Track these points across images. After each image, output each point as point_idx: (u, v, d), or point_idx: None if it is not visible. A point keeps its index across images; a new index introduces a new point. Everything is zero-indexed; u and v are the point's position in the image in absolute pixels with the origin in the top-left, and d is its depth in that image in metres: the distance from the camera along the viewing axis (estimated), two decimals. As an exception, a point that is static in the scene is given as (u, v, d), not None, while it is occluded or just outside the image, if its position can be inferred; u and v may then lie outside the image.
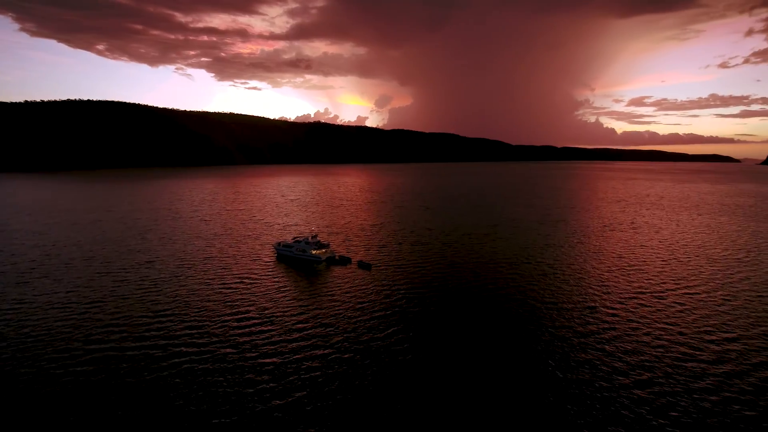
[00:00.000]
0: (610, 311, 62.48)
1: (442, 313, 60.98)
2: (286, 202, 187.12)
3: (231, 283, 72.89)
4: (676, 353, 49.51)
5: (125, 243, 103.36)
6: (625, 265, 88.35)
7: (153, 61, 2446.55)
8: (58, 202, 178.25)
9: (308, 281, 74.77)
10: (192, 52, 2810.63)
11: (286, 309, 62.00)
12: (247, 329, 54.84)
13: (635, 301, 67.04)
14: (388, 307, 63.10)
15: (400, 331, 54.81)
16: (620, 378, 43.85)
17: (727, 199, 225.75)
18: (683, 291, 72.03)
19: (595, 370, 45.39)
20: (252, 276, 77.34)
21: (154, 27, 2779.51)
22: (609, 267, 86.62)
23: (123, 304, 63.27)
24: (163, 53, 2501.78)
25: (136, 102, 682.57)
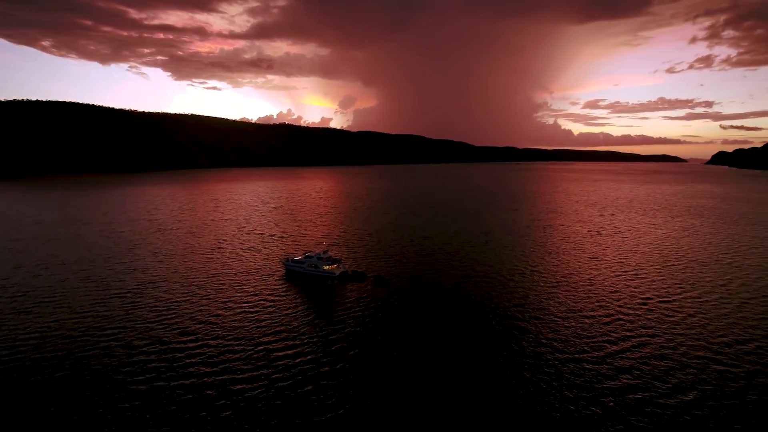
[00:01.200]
0: (630, 320, 64.51)
1: (470, 332, 61.06)
2: (270, 211, 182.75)
3: (246, 304, 70.25)
4: (701, 364, 51.69)
5: (118, 260, 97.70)
6: (627, 271, 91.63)
7: (104, 59, 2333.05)
8: (20, 214, 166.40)
9: (325, 299, 73.12)
10: (147, 50, 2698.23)
11: (306, 330, 60.29)
12: (267, 351, 52.90)
13: (647, 307, 69.57)
14: (417, 326, 62.57)
15: (435, 353, 54.43)
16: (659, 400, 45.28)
17: (690, 200, 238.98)
18: (688, 296, 75.39)
19: (631, 392, 46.69)
20: (265, 294, 74.84)
21: (106, 23, 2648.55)
22: (614, 273, 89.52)
23: (144, 331, 59.63)
24: (115, 51, 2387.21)
25: (88, 102, 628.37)
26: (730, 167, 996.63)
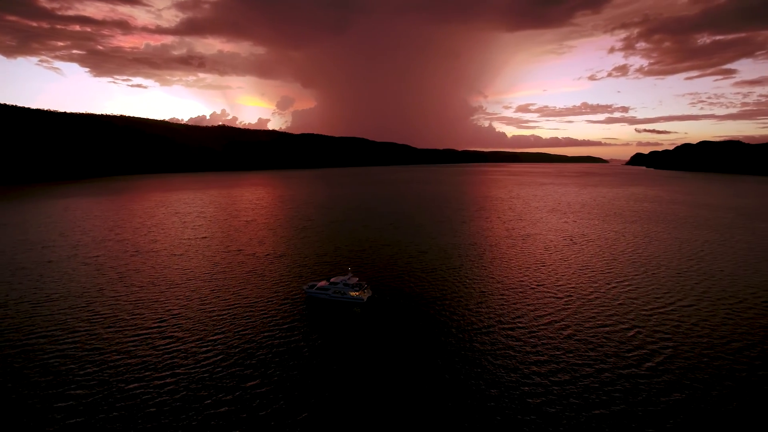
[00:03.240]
0: (650, 332, 70.28)
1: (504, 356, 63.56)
2: (243, 225, 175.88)
3: (270, 334, 67.80)
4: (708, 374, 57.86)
5: (116, 288, 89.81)
6: (619, 281, 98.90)
7: (9, 52, 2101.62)
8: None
9: (355, 328, 72.44)
10: (60, 43, 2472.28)
11: (342, 360, 59.70)
12: (301, 389, 52.06)
13: (674, 322, 76.08)
14: (455, 353, 64.01)
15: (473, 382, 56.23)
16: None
17: (636, 204, 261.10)
18: (681, 304, 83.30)
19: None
20: (290, 322, 72.63)
21: (10, 11, 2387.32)
22: (608, 284, 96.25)
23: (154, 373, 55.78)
24: (22, 42, 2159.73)
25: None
26: (647, 168, 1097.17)
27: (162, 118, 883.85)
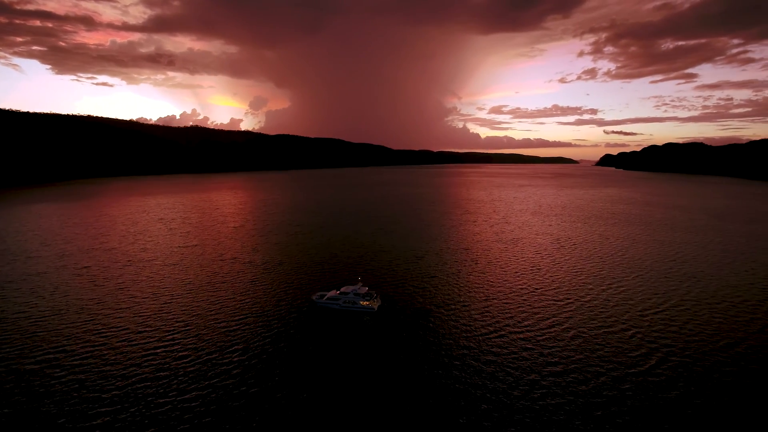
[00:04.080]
0: (675, 347, 74.41)
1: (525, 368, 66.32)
2: (232, 231, 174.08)
3: (275, 343, 68.52)
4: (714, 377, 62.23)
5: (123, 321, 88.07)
6: (617, 283, 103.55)
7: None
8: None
9: (368, 337, 73.85)
10: (20, 39, 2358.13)
11: (360, 372, 61.21)
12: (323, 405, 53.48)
13: (693, 329, 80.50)
14: (469, 360, 66.28)
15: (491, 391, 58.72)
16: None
17: (612, 206, 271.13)
18: (684, 307, 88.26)
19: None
20: (304, 334, 73.37)
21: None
22: (609, 287, 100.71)
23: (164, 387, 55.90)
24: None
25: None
26: (616, 168, 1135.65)
27: (130, 118, 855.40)
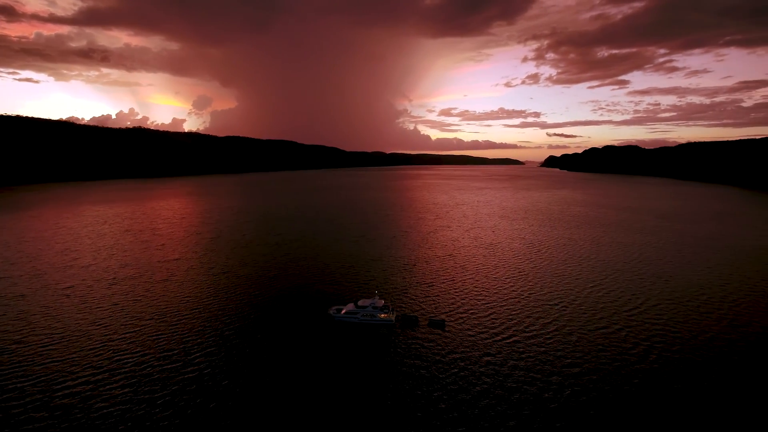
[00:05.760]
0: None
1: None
2: (210, 242, 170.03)
3: (294, 359, 70.44)
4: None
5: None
6: (597, 286, 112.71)
7: None
8: None
9: (388, 349, 77.14)
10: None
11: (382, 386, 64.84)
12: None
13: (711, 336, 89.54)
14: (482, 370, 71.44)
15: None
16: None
17: (568, 208, 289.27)
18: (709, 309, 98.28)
19: (709, 393, 63.28)
20: (331, 349, 75.43)
21: None
22: (591, 289, 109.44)
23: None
24: None
25: None
26: (560, 169, 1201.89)
27: (59, 118, 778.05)
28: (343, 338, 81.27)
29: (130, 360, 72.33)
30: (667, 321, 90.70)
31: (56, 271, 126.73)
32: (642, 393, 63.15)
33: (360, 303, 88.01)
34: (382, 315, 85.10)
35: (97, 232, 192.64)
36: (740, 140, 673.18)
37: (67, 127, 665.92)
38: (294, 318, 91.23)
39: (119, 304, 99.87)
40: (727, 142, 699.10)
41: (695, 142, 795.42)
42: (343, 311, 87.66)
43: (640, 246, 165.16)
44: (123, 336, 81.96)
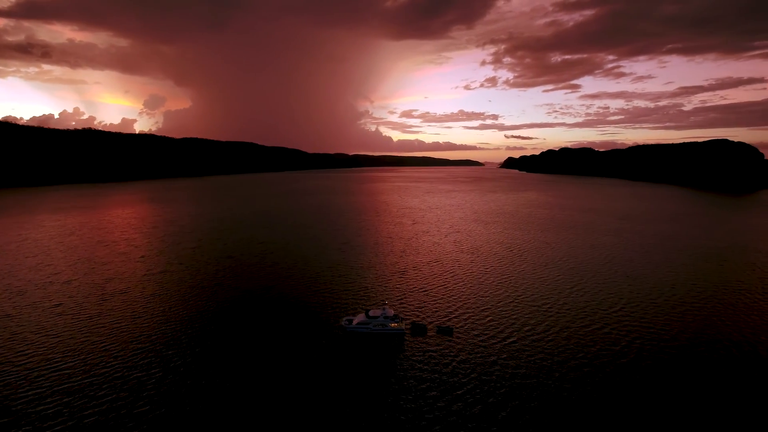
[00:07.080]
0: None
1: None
2: (192, 253, 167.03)
3: (310, 373, 73.22)
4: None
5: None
6: (578, 288, 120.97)
7: None
8: None
9: (407, 359, 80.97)
10: None
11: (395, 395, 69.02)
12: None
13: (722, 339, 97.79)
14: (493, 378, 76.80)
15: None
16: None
17: (535, 210, 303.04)
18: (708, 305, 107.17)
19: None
20: (348, 361, 78.23)
21: None
22: (574, 291, 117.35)
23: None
24: None
25: None
26: (519, 171, 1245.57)
27: None
28: (356, 348, 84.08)
29: (150, 381, 72.12)
30: (652, 318, 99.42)
31: (37, 288, 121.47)
32: (641, 393, 70.08)
33: (371, 313, 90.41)
34: (394, 324, 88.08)
35: (67, 244, 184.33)
36: (683, 143, 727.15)
37: (4, 128, 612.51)
38: (304, 330, 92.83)
39: (118, 321, 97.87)
40: (672, 144, 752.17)
41: (643, 145, 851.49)
42: (355, 322, 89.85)
43: (609, 248, 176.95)
44: (136, 354, 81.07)
